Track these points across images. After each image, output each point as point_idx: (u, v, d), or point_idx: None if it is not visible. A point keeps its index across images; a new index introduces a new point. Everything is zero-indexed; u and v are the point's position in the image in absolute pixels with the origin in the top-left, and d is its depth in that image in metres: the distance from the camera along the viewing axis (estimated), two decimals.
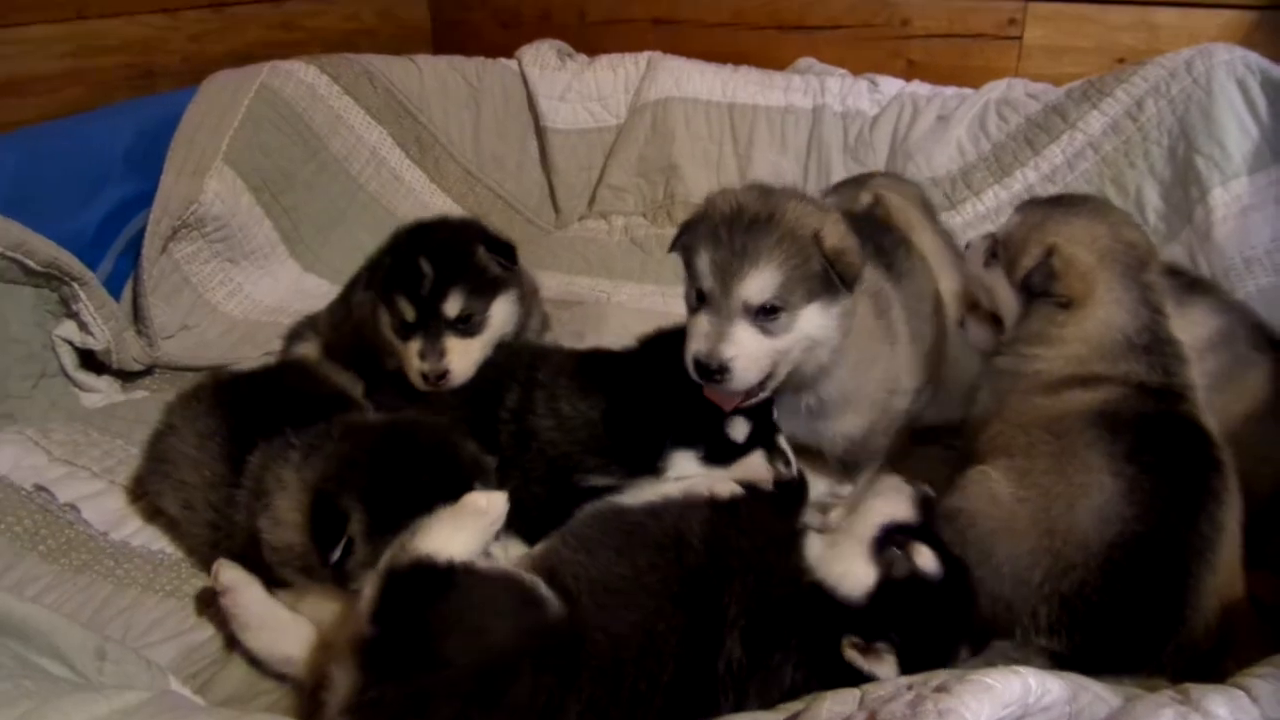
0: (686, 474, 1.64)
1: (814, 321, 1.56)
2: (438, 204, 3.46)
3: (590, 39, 3.87)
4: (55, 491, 1.94)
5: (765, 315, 1.51)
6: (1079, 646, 1.45)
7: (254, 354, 2.55)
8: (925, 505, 1.52)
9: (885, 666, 1.29)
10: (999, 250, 1.81)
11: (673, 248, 1.66)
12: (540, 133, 3.67)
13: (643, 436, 1.66)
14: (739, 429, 1.63)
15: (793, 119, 3.42)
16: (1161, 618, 1.45)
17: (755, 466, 1.64)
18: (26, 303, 2.27)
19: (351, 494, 1.44)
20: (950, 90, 3.29)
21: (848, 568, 1.38)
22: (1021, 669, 1.10)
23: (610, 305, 2.98)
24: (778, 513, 1.55)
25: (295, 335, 2.40)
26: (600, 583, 1.36)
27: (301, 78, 3.18)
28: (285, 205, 3.02)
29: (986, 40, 3.37)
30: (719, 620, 1.35)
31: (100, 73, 2.88)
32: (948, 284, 2.19)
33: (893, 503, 1.50)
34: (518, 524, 1.55)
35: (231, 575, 1.54)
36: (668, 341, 1.69)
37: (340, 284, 2.50)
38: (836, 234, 1.55)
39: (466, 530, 1.32)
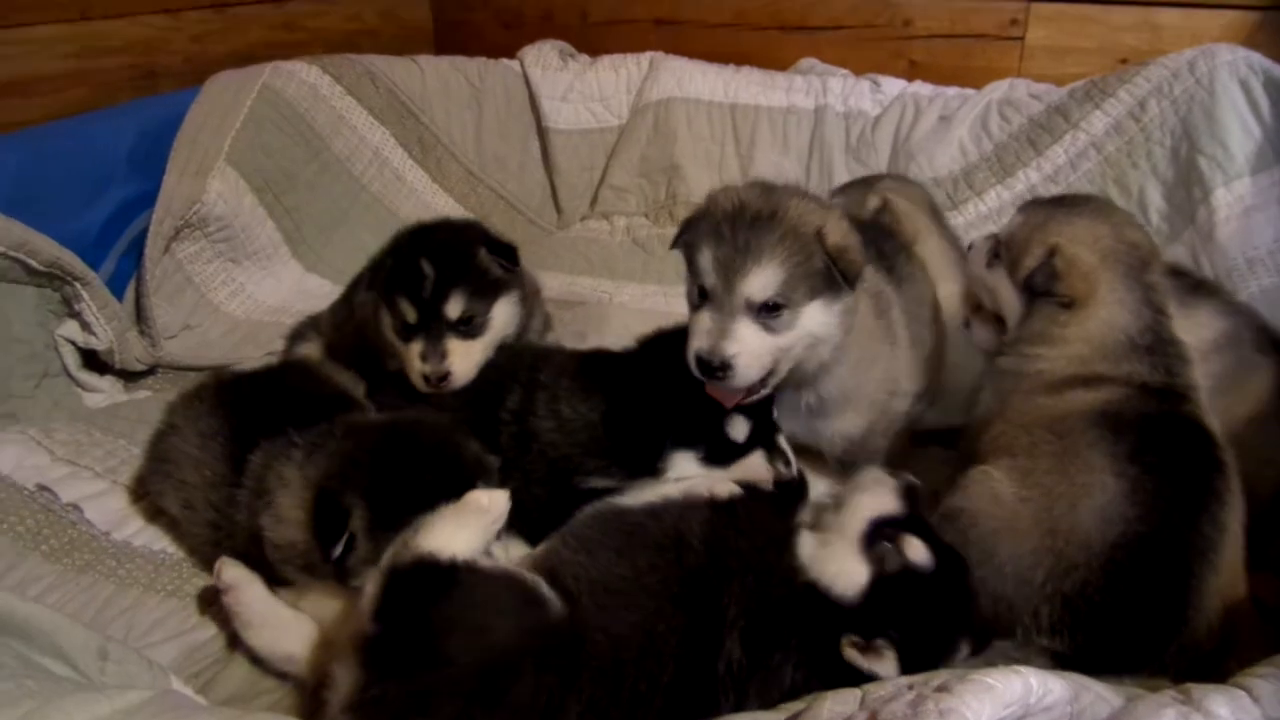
0: (686, 474, 1.63)
1: (816, 319, 1.56)
2: (440, 204, 3.47)
3: (592, 39, 3.87)
4: (58, 491, 1.94)
5: (768, 312, 1.51)
6: (1081, 646, 1.45)
7: (256, 354, 2.56)
8: (910, 494, 1.51)
9: (886, 664, 1.29)
10: (1001, 251, 1.81)
11: (674, 245, 1.66)
12: (542, 133, 3.67)
13: (643, 438, 1.65)
14: (739, 428, 1.63)
15: (795, 119, 3.42)
16: (1163, 618, 1.45)
17: (755, 467, 1.64)
18: (29, 303, 2.27)
19: (354, 491, 1.44)
20: (952, 90, 3.29)
21: (840, 567, 1.38)
22: (1023, 669, 1.10)
23: (612, 305, 2.98)
24: (776, 513, 1.54)
25: (297, 335, 2.40)
26: (601, 583, 1.36)
27: (304, 78, 3.18)
28: (288, 205, 3.02)
29: (989, 40, 3.37)
30: (719, 621, 1.35)
31: (103, 73, 2.89)
32: (953, 289, 2.19)
33: (878, 496, 1.49)
34: (519, 525, 1.55)
35: (234, 573, 1.54)
36: (667, 342, 1.69)
37: (342, 284, 2.50)
38: (839, 231, 1.56)
39: (469, 528, 1.32)
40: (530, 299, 2.11)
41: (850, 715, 1.09)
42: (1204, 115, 2.74)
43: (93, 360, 2.40)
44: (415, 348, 1.87)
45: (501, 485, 1.53)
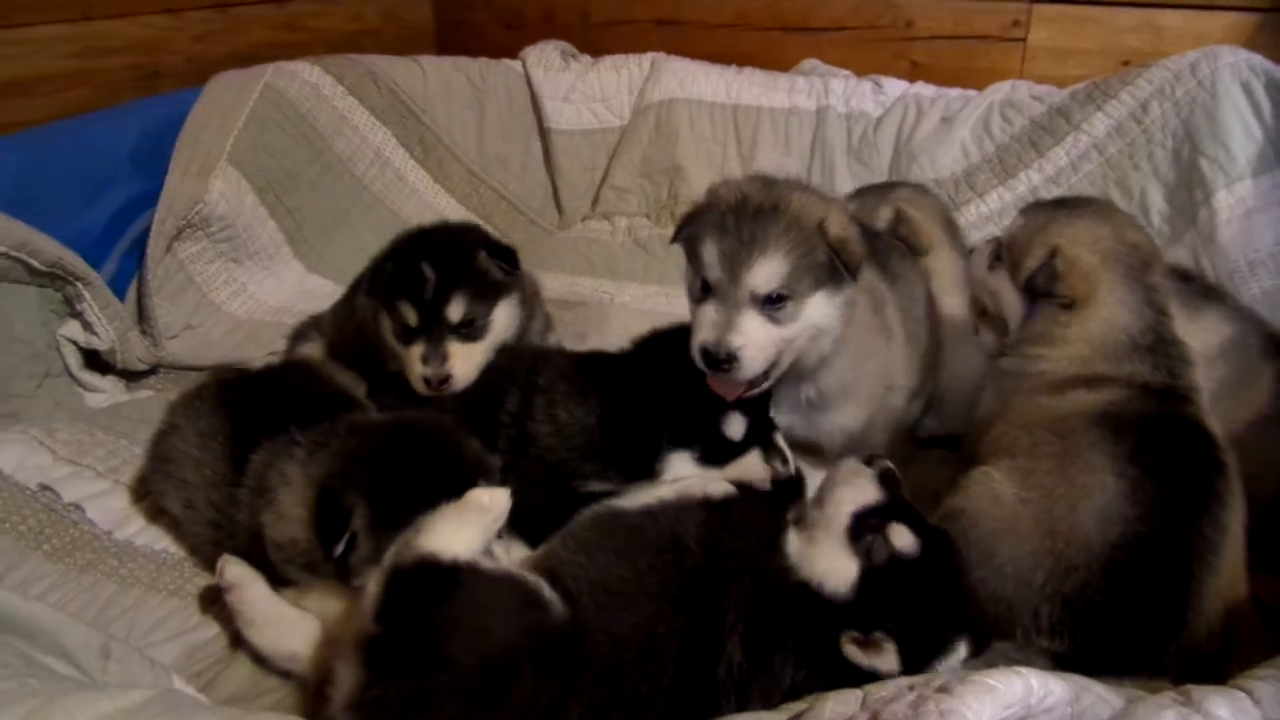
0: (683, 475, 1.63)
1: (819, 310, 1.57)
2: (441, 205, 3.47)
3: (594, 40, 3.87)
4: (60, 491, 1.94)
5: (772, 304, 1.52)
6: (1081, 647, 1.45)
7: (258, 354, 2.56)
8: (888, 480, 1.49)
9: (886, 657, 1.28)
10: (1003, 253, 1.82)
11: (675, 238, 1.66)
12: (544, 133, 3.67)
13: (638, 441, 1.65)
14: (735, 427, 1.63)
15: (796, 120, 3.42)
16: (1164, 619, 1.44)
17: (751, 466, 1.63)
18: (31, 302, 2.27)
19: (356, 490, 1.44)
20: (954, 92, 3.29)
21: (829, 565, 1.37)
22: (1024, 670, 1.10)
23: (613, 306, 2.98)
24: (770, 513, 1.53)
25: (299, 335, 2.41)
26: (600, 584, 1.36)
27: (306, 78, 3.18)
28: (289, 206, 3.03)
29: (991, 42, 3.37)
30: (718, 624, 1.34)
31: (105, 73, 2.89)
32: (961, 302, 2.19)
33: (857, 488, 1.47)
34: (520, 527, 1.55)
35: (237, 571, 1.54)
36: (661, 342, 1.69)
37: (344, 284, 2.51)
38: (840, 223, 1.57)
39: (470, 527, 1.32)
40: (531, 300, 2.12)
41: (851, 716, 1.09)
42: (1206, 117, 2.74)
43: (94, 360, 2.40)
44: (416, 351, 1.87)
45: (502, 485, 1.53)
